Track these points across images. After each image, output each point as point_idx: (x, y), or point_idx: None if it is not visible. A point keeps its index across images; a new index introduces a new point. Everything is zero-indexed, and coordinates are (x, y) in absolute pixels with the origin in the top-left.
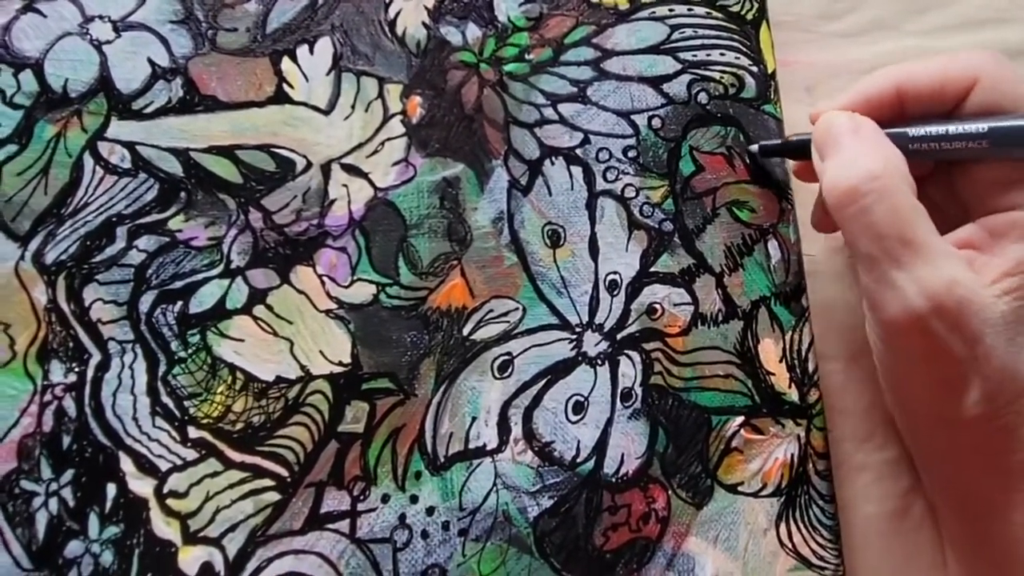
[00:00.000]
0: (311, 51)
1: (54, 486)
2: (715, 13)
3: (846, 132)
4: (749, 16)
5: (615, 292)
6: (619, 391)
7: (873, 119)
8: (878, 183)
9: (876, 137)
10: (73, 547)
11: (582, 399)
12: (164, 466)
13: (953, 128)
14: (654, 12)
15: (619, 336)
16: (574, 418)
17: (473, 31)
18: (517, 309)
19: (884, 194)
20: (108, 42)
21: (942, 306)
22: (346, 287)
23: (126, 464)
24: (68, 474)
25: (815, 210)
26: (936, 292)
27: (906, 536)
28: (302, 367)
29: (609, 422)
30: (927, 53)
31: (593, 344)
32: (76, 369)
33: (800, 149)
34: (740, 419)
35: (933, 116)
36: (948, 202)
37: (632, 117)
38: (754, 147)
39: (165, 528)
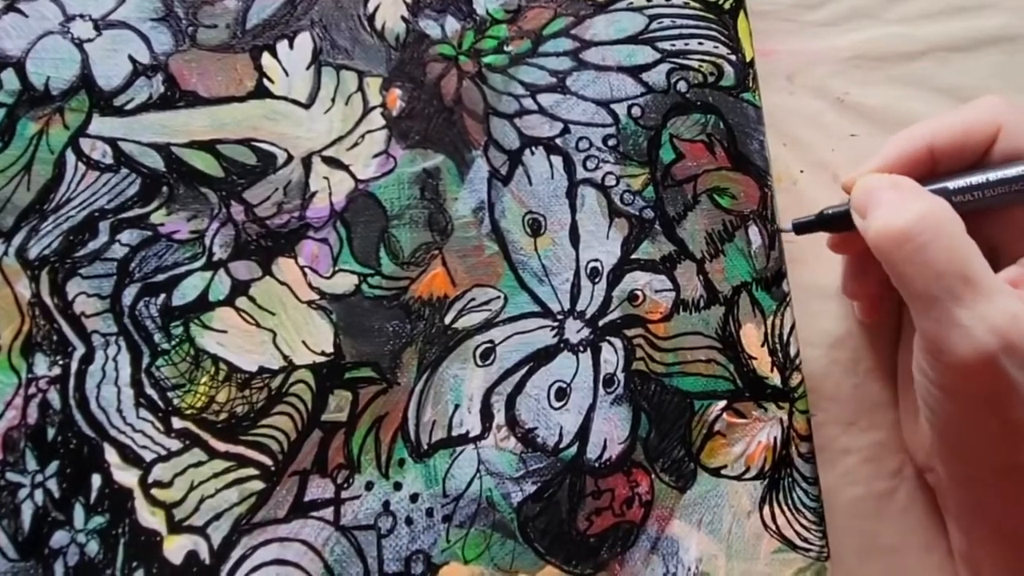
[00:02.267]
0: (291, 46)
1: (39, 477)
2: (693, 3)
3: (886, 188)
4: (727, 6)
5: (596, 279)
6: (601, 377)
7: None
8: (932, 220)
9: (918, 189)
10: (59, 537)
11: (564, 385)
12: (148, 456)
13: (993, 175)
14: (632, 3)
15: (601, 323)
16: (557, 404)
17: (452, 24)
18: (499, 297)
19: (939, 231)
20: (89, 40)
21: (1011, 342)
22: (328, 278)
23: (111, 455)
24: (53, 465)
25: (846, 277)
26: (1004, 328)
27: (892, 519)
28: (285, 357)
29: (592, 408)
30: (907, 41)
31: (575, 331)
32: (60, 362)
33: (836, 220)
34: (722, 403)
35: (962, 169)
36: None
37: (612, 106)
38: (787, 225)
39: (150, 518)
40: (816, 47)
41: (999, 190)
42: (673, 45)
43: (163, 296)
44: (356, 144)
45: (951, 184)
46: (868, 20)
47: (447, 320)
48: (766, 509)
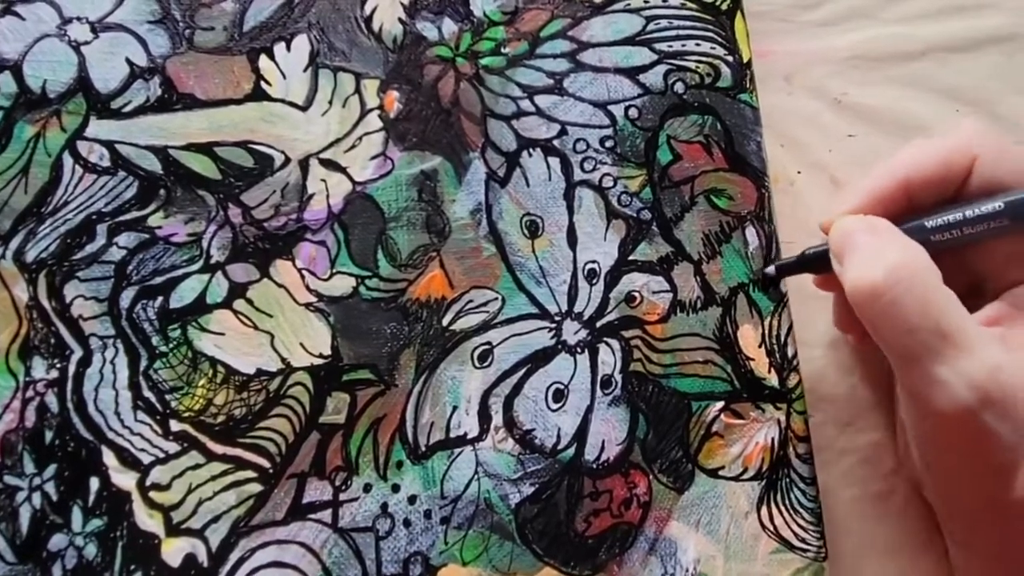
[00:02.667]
0: (288, 48)
1: (37, 480)
2: (690, 4)
3: (862, 232)
4: (724, 7)
5: (594, 281)
6: (599, 378)
7: (885, 217)
8: (904, 273)
9: (893, 233)
10: (57, 540)
11: (562, 387)
12: (146, 459)
13: (970, 212)
14: (629, 4)
15: (598, 324)
16: (554, 406)
17: (449, 26)
18: (496, 299)
19: (912, 285)
20: (86, 43)
21: (989, 397)
22: (326, 280)
23: (109, 458)
24: (51, 468)
25: (836, 311)
26: (982, 383)
27: (889, 519)
28: (283, 360)
29: (589, 409)
30: (905, 41)
31: (572, 332)
32: (58, 365)
33: (816, 261)
34: (720, 404)
35: (939, 203)
36: (960, 283)
37: (609, 107)
38: (770, 268)
39: (148, 520)
40: (814, 47)
41: (978, 227)
42: (670, 46)
43: (161, 299)
44: (354, 146)
45: (928, 222)
46: (866, 20)
47: (445, 322)
48: (764, 510)
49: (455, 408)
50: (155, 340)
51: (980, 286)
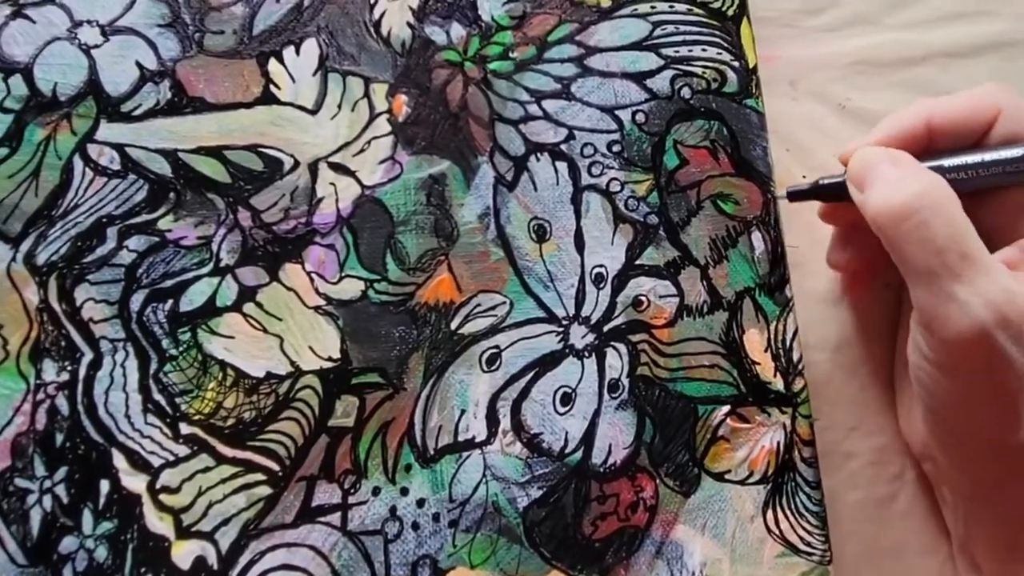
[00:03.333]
0: (297, 52)
1: (48, 483)
2: (696, 10)
3: (886, 162)
4: (730, 12)
5: (601, 285)
6: (606, 382)
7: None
8: (932, 197)
9: (915, 165)
10: (67, 543)
11: (570, 391)
12: (156, 462)
13: (988, 156)
14: (636, 9)
15: (605, 328)
16: (562, 409)
17: (457, 30)
18: (504, 303)
19: (939, 207)
20: (96, 46)
21: (1006, 317)
22: (335, 283)
23: (119, 461)
24: (61, 471)
25: (834, 246)
26: (999, 303)
27: (894, 522)
28: (292, 363)
29: (597, 413)
30: (908, 47)
31: (580, 336)
32: (68, 368)
33: (831, 191)
34: (726, 408)
35: (959, 149)
36: None
37: (616, 112)
38: (782, 192)
39: (158, 523)
40: (818, 53)
41: (993, 170)
42: (677, 51)
43: (171, 302)
44: (362, 150)
45: (947, 162)
46: (870, 26)
47: (453, 326)
48: (769, 513)
49: (463, 412)
50: (165, 343)
51: (990, 238)
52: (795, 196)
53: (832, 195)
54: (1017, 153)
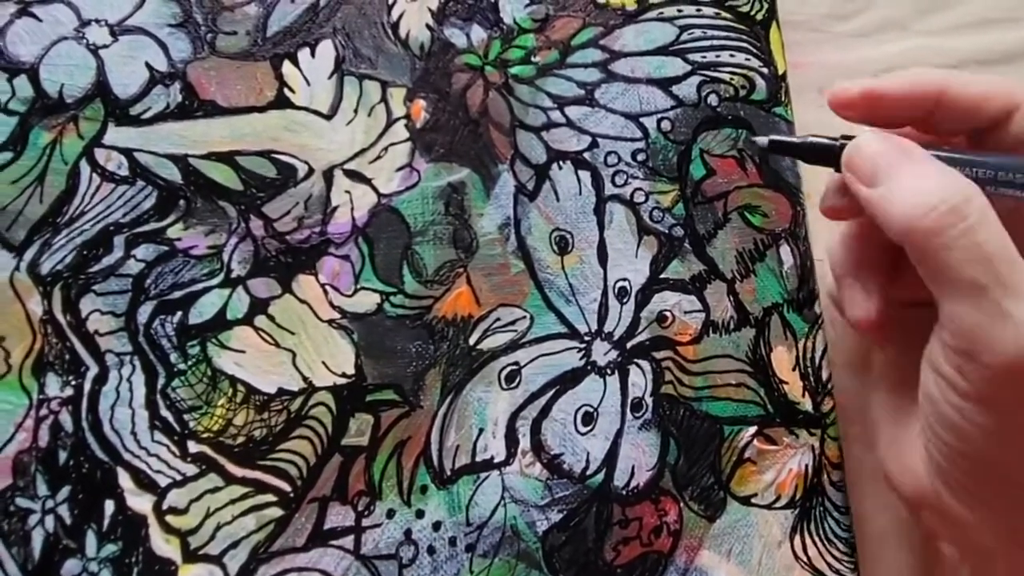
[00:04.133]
0: (312, 54)
1: (50, 503)
2: (724, 14)
3: (900, 156)
4: (759, 16)
5: (624, 300)
6: (629, 401)
7: (902, 116)
8: (977, 202)
9: (935, 162)
10: (70, 566)
11: (591, 410)
12: (163, 482)
13: (1002, 175)
14: (662, 13)
15: (629, 345)
16: (583, 429)
17: (478, 33)
18: (524, 318)
19: (986, 211)
20: (105, 46)
21: None
22: (349, 296)
23: (124, 480)
24: (65, 490)
25: (828, 196)
26: None
27: (919, 546)
28: (305, 379)
29: (619, 433)
30: (938, 53)
31: (602, 353)
32: (73, 382)
33: (817, 153)
34: (753, 429)
35: (960, 134)
36: None
37: (641, 120)
38: (763, 140)
39: (165, 545)
40: (848, 59)
41: (1001, 189)
42: (704, 57)
43: (179, 314)
44: (379, 157)
45: (964, 157)
46: (900, 32)
47: (471, 341)
48: (797, 539)
49: (481, 431)
50: (173, 357)
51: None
52: (777, 147)
53: (816, 157)
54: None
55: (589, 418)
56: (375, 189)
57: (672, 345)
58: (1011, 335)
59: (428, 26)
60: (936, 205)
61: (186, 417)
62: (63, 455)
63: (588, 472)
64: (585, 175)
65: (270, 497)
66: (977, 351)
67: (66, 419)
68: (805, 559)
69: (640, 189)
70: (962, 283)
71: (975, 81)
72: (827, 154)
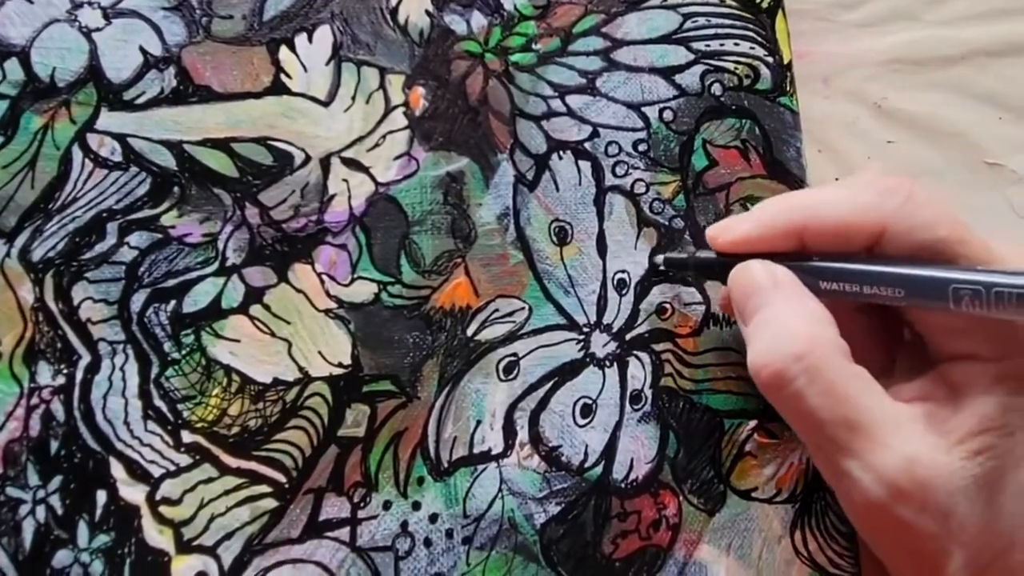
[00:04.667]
0: (310, 40)
1: (41, 493)
2: (729, 1)
3: (756, 297)
4: (764, 4)
5: (624, 291)
6: (628, 393)
7: (782, 246)
8: (808, 361)
9: (796, 296)
10: (61, 557)
11: (590, 402)
12: (157, 472)
13: (868, 288)
14: (666, 0)
15: (628, 337)
16: (582, 421)
17: (478, 19)
18: (523, 309)
19: (814, 374)
20: (98, 29)
21: (903, 492)
22: (346, 286)
23: (117, 470)
24: (56, 480)
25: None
26: (894, 479)
27: None
28: (300, 369)
29: (618, 426)
30: (946, 43)
31: (601, 345)
32: (64, 371)
33: (707, 269)
34: (753, 423)
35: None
36: (894, 333)
37: (643, 109)
38: (659, 258)
39: (158, 536)
40: (853, 49)
41: (874, 295)
42: (708, 46)
43: (173, 302)
44: (377, 145)
45: (823, 285)
46: (907, 21)
47: (469, 332)
48: (797, 534)
49: (479, 422)
50: (167, 346)
51: (923, 342)
52: (672, 264)
53: (708, 273)
54: (898, 293)
55: (588, 410)
56: (373, 178)
57: (672, 337)
58: (852, 488)
59: (428, 12)
60: (767, 364)
61: (180, 407)
62: (55, 444)
63: (586, 465)
64: (585, 165)
65: (265, 488)
66: (839, 494)
67: (58, 408)
68: (806, 554)
69: (641, 180)
70: (804, 439)
71: (834, 212)
72: (717, 267)
